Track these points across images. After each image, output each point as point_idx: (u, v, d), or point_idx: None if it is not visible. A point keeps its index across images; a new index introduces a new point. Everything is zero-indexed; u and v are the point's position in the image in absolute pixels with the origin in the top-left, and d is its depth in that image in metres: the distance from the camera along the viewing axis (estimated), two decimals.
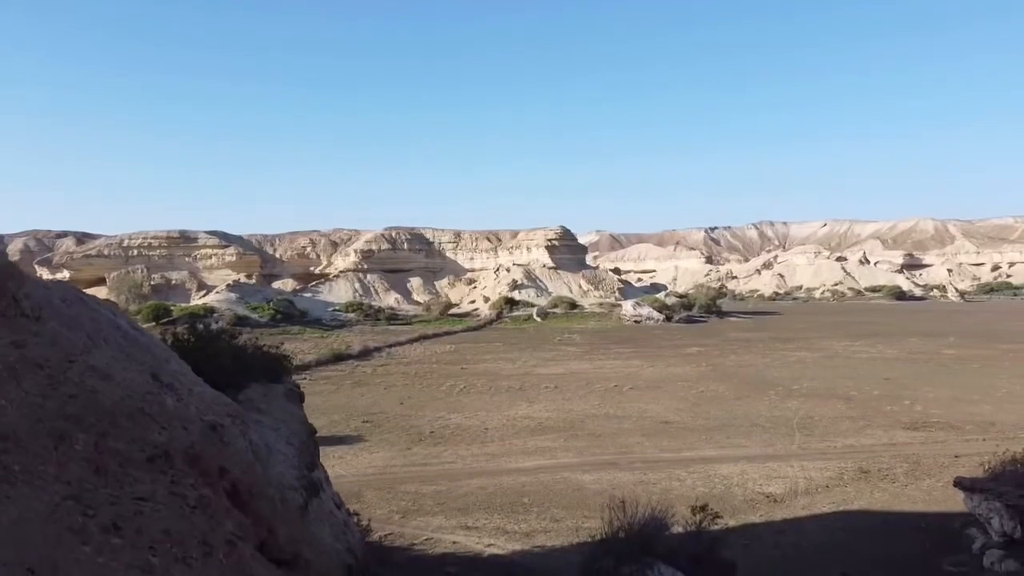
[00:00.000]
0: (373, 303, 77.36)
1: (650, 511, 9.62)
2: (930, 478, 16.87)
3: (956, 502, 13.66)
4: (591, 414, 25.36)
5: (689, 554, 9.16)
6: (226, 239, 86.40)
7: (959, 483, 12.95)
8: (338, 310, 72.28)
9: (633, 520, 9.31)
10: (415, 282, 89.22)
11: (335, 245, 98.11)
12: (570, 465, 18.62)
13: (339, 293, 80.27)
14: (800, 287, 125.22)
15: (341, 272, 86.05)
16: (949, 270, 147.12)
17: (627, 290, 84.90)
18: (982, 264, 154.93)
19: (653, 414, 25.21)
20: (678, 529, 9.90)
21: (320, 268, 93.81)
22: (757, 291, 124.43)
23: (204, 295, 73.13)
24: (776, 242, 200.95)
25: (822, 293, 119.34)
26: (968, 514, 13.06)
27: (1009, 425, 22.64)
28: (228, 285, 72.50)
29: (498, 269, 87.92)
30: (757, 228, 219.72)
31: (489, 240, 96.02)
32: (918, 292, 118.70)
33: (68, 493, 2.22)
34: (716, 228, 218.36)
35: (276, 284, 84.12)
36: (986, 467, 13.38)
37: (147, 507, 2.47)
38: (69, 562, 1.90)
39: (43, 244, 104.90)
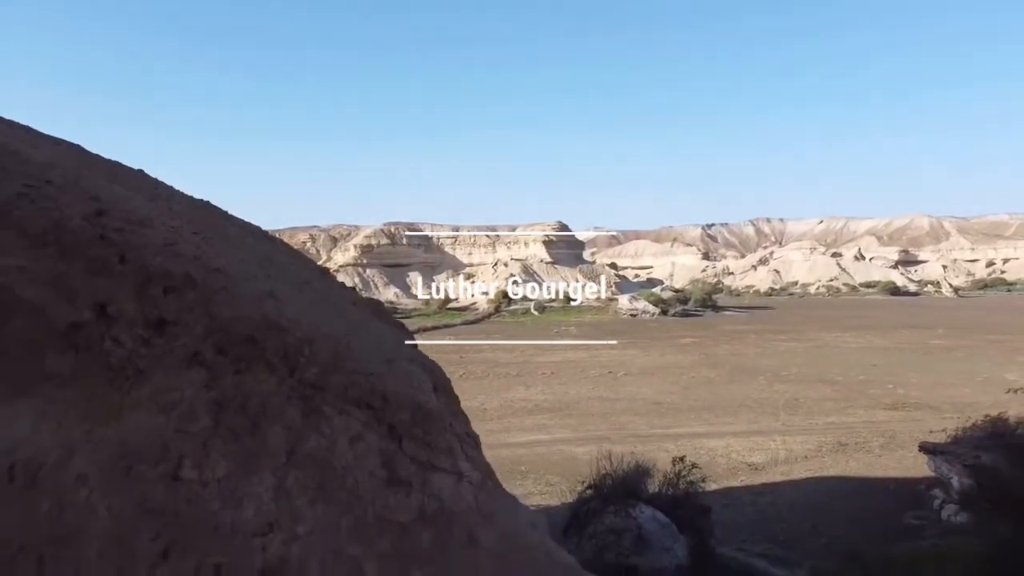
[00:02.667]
0: (373, 297, 78.27)
1: (635, 463, 10.62)
2: (903, 450, 17.87)
3: (925, 469, 14.67)
4: (586, 396, 26.35)
5: (669, 499, 10.16)
6: None
7: (923, 447, 13.98)
8: None
9: (619, 469, 10.31)
10: (414, 277, 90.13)
11: (335, 240, 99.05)
12: (564, 440, 19.62)
13: None
14: (796, 283, 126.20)
15: (340, 267, 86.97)
16: (944, 266, 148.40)
17: (623, 285, 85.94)
18: (977, 260, 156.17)
19: (645, 396, 26.22)
20: (660, 480, 10.89)
21: (320, 263, 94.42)
22: (753, 287, 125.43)
23: None
24: (773, 238, 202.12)
25: (817, 289, 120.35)
26: (934, 477, 14.09)
27: (985, 406, 23.52)
28: None
29: (496, 264, 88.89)
30: (754, 225, 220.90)
31: (487, 235, 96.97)
32: (912, 288, 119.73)
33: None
34: (713, 225, 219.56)
35: None
36: (948, 434, 14.40)
37: None
38: None
39: None
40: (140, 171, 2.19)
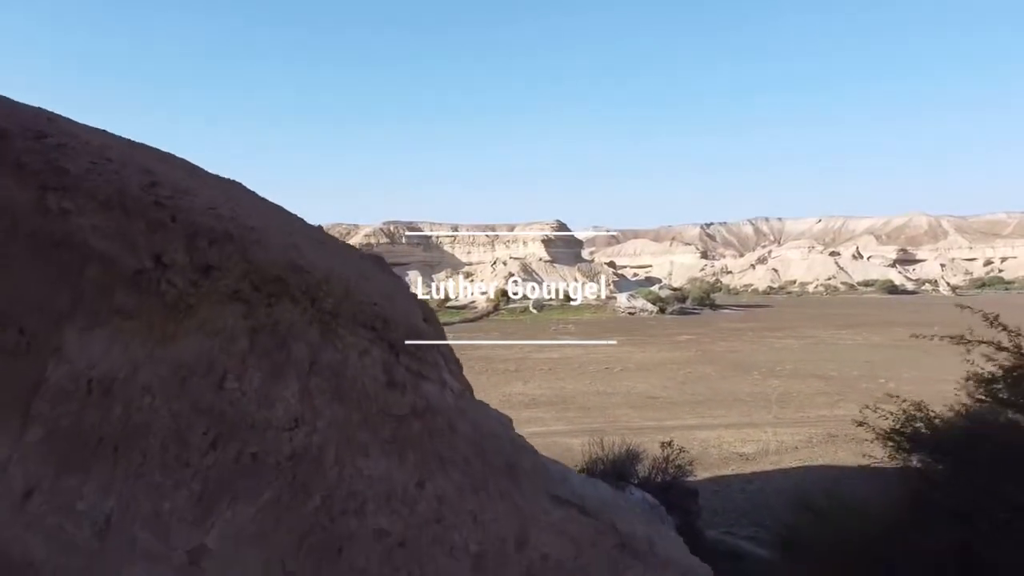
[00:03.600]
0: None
1: (625, 448, 11.04)
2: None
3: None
4: (582, 391, 26.77)
5: (658, 482, 10.57)
6: None
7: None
8: None
9: (610, 454, 10.72)
10: (413, 276, 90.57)
11: None
12: (561, 431, 20.01)
13: None
14: (794, 281, 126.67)
15: None
16: (942, 265, 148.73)
17: (622, 283, 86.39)
18: (974, 259, 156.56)
19: (641, 391, 26.64)
20: (649, 464, 11.31)
21: None
22: (751, 285, 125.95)
23: None
24: (771, 238, 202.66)
25: (815, 287, 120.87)
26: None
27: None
28: None
29: (495, 262, 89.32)
30: (753, 224, 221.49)
31: (486, 235, 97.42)
32: (910, 287, 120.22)
33: None
34: (712, 224, 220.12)
35: None
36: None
37: None
38: None
39: None
40: (177, 156, 2.61)
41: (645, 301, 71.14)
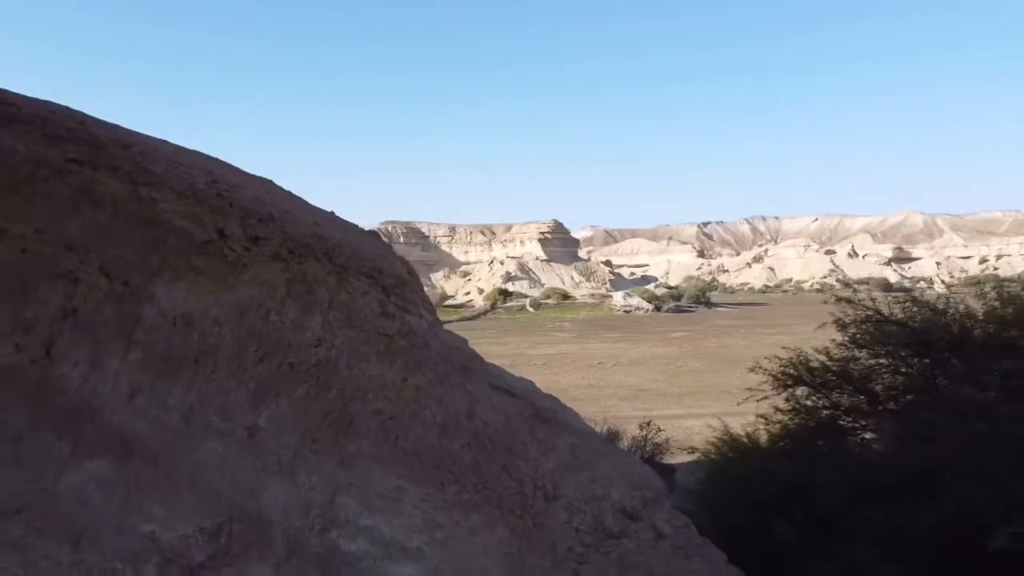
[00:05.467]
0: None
1: (607, 426, 11.87)
2: None
3: None
4: (575, 384, 27.62)
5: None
6: None
7: None
8: None
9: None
10: None
11: None
12: None
13: None
14: (790, 280, 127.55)
15: None
16: (938, 263, 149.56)
17: (618, 282, 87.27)
18: (970, 257, 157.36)
19: (632, 384, 27.51)
20: (629, 442, 12.14)
21: None
22: (748, 284, 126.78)
23: None
24: (768, 236, 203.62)
25: (811, 286, 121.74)
26: None
27: None
28: None
29: (492, 262, 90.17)
30: (749, 223, 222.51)
31: (483, 233, 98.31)
32: (906, 284, 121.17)
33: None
34: (709, 223, 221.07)
35: None
36: None
37: None
38: None
39: None
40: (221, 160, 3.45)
41: (641, 299, 72.02)
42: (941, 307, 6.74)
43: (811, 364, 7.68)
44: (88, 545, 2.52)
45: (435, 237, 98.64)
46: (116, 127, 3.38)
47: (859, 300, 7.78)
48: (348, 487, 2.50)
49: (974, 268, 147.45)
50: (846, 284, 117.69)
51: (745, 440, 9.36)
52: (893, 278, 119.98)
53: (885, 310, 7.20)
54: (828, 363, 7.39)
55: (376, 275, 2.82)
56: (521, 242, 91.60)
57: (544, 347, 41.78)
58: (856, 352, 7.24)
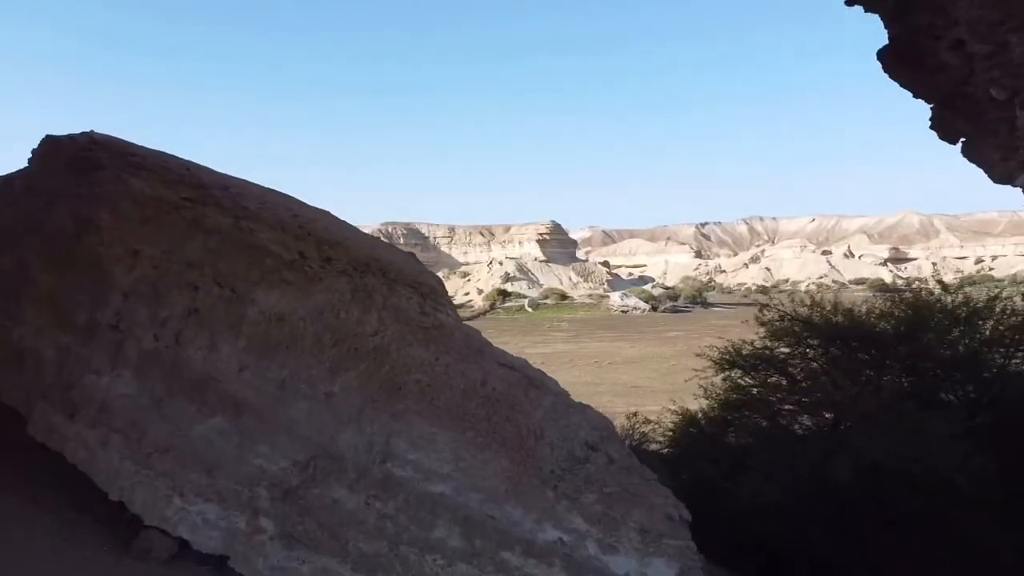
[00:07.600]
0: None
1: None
2: None
3: None
4: (571, 382, 28.58)
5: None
6: None
7: None
8: None
9: None
10: None
11: None
12: None
13: None
14: (787, 280, 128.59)
15: None
16: (933, 263, 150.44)
17: (616, 282, 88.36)
18: (966, 258, 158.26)
19: (626, 381, 28.62)
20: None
21: None
22: (745, 284, 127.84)
23: None
24: (765, 237, 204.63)
25: (807, 286, 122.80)
26: None
27: None
28: None
29: (491, 262, 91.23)
30: (747, 223, 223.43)
31: (482, 234, 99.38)
32: (901, 284, 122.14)
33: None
34: (707, 224, 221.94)
35: None
36: None
37: None
38: None
39: None
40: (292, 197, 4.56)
41: (638, 299, 73.11)
42: (828, 307, 8.68)
43: (743, 352, 9.16)
44: (217, 473, 3.62)
45: (435, 238, 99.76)
46: (215, 172, 4.48)
47: (774, 304, 9.75)
48: (398, 432, 3.57)
49: (970, 268, 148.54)
50: (842, 285, 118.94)
51: (698, 415, 11.35)
52: (889, 278, 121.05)
53: (790, 310, 8.96)
54: (755, 351, 9.05)
55: (416, 285, 3.90)
56: (520, 243, 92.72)
57: (542, 346, 42.87)
58: (771, 343, 8.91)
